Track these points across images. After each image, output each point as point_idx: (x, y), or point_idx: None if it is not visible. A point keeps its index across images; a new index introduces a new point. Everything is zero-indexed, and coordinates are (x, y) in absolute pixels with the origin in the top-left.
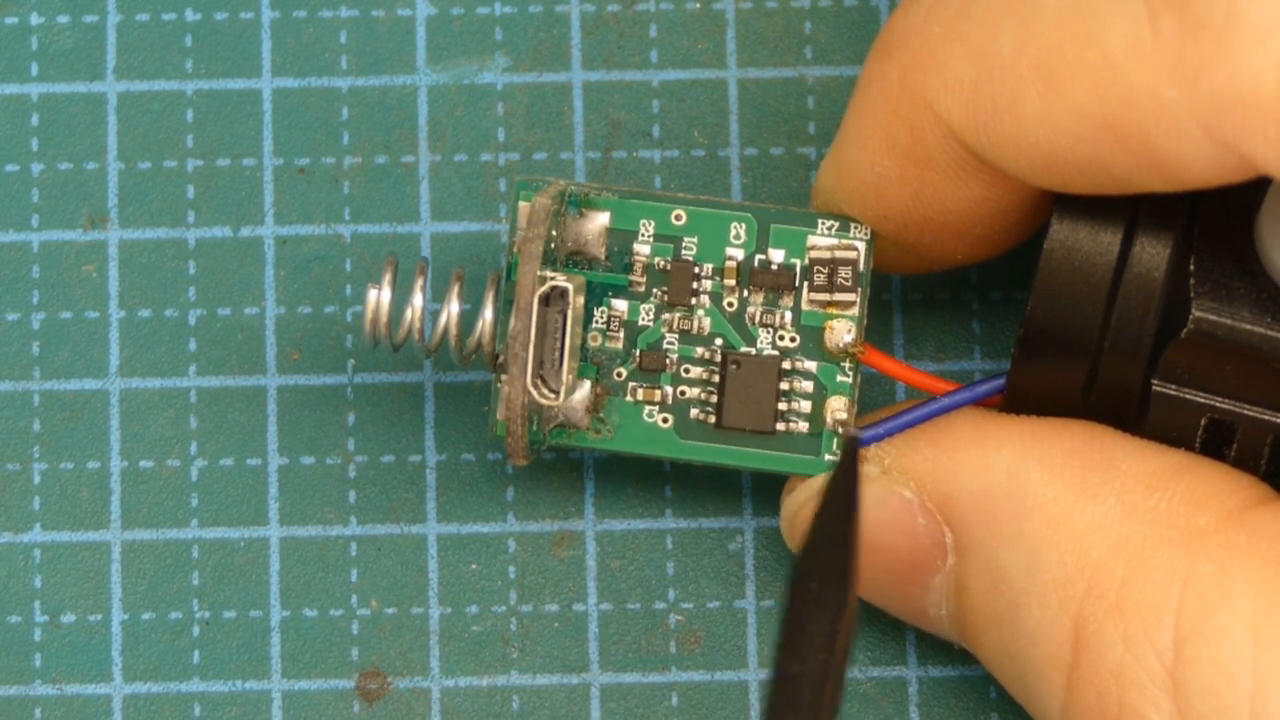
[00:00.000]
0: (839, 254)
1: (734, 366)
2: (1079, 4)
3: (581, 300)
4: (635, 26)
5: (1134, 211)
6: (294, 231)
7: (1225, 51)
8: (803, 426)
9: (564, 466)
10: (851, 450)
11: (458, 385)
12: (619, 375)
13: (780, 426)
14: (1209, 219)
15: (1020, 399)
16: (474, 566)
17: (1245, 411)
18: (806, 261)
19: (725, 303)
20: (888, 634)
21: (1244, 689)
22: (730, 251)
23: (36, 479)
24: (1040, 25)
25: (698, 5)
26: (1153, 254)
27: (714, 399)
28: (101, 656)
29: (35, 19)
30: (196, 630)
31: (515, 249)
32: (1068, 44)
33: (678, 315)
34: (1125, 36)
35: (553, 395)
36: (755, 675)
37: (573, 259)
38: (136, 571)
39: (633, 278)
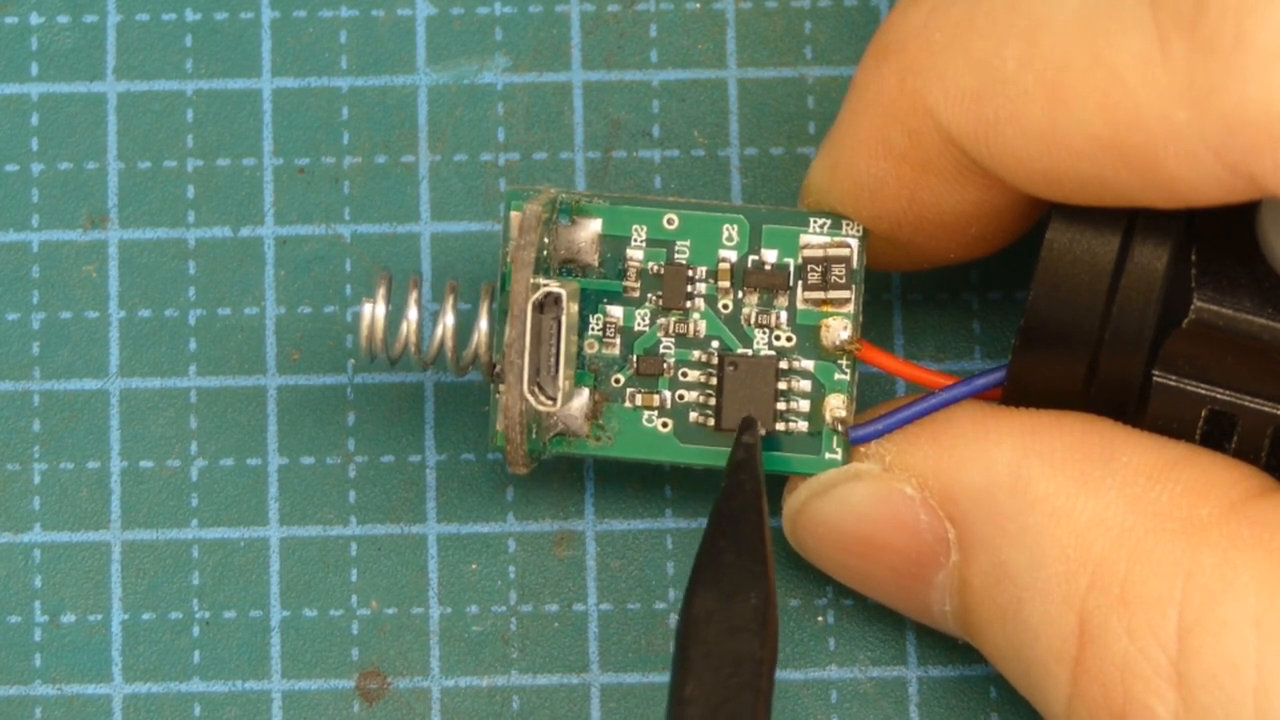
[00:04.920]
0: (832, 252)
1: (731, 368)
2: (1087, 21)
3: (576, 307)
4: (635, 26)
5: None
6: (294, 231)
7: (1235, 74)
8: (802, 426)
9: (564, 466)
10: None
11: (458, 385)
12: (617, 381)
13: (780, 426)
14: (1211, 210)
15: (1020, 391)
16: (474, 566)
17: (1246, 403)
18: (800, 260)
19: (720, 305)
20: (888, 634)
21: (1248, 680)
22: (723, 253)
23: (36, 479)
24: (1047, 41)
25: (698, 5)
26: (1154, 245)
27: (713, 401)
28: (101, 656)
29: (35, 19)
30: (196, 630)
31: (508, 259)
32: (1075, 61)
33: (673, 319)
34: (1134, 57)
35: (550, 402)
36: None
37: (566, 267)
38: (136, 571)
39: (627, 283)
